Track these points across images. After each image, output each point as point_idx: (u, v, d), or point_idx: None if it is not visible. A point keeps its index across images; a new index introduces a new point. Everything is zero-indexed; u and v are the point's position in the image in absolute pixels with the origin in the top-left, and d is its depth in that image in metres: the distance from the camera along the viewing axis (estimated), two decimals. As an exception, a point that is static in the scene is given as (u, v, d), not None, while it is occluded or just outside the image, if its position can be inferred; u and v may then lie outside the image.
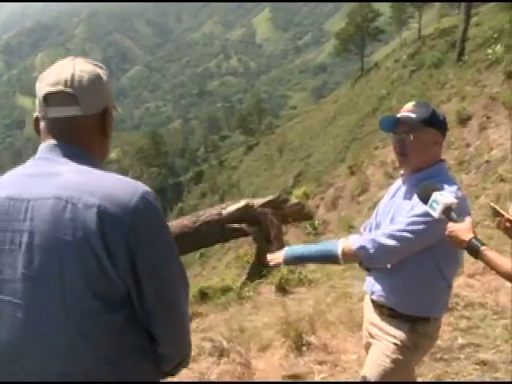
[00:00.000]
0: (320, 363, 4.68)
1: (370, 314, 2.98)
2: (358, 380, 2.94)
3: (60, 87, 1.67)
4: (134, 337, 1.64)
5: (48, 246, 1.53)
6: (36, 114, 1.75)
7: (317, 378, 4.47)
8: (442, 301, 2.82)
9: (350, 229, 15.54)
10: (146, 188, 1.63)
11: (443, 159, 2.84)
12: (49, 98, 1.68)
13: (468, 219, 2.34)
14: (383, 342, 2.80)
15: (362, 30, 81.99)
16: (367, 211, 17.86)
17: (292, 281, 8.18)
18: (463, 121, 17.98)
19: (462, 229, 2.30)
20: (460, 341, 4.59)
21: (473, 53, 30.89)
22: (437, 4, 75.09)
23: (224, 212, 9.88)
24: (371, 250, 2.65)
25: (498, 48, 24.36)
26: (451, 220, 2.36)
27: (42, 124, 1.73)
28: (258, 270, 9.56)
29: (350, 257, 2.74)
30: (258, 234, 9.92)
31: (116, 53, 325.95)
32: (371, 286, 2.93)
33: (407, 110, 2.79)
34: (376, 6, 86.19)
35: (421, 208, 2.55)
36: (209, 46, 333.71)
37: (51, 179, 1.60)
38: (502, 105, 16.99)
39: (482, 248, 2.23)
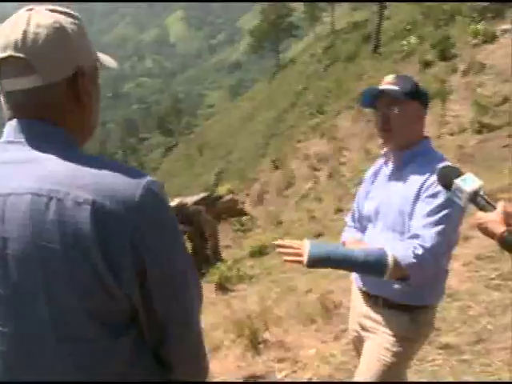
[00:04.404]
0: (280, 361, 4.49)
1: (361, 307, 2.76)
2: None
3: (9, 51, 1.25)
4: (142, 365, 1.32)
5: (28, 257, 1.18)
6: None
7: (279, 377, 4.27)
8: (440, 287, 2.65)
9: (279, 224, 15.57)
10: (151, 177, 1.27)
11: (427, 136, 2.66)
12: (0, 67, 1.27)
13: (500, 206, 2.04)
14: (381, 334, 2.59)
15: (276, 27, 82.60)
16: (294, 204, 17.94)
17: (232, 278, 7.99)
18: (384, 111, 18.23)
19: (493, 220, 2.01)
20: (418, 326, 4.50)
21: (387, 45, 31.66)
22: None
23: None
24: (423, 259, 2.31)
25: (413, 39, 25.05)
26: (480, 207, 2.08)
27: (2, 99, 1.33)
28: (195, 269, 9.35)
29: (397, 270, 2.33)
30: (192, 232, 9.72)
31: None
32: (363, 277, 2.72)
33: (389, 83, 2.56)
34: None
35: (441, 197, 2.33)
36: (122, 47, 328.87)
37: (26, 168, 1.22)
38: (421, 93, 17.34)
39: None
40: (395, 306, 2.55)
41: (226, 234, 14.68)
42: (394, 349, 2.53)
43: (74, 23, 1.34)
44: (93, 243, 1.16)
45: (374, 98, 2.60)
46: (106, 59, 1.47)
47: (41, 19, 1.29)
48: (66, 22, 1.33)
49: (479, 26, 19.49)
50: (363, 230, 2.79)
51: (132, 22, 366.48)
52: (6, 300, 1.21)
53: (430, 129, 14.61)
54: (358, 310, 2.80)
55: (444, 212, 2.34)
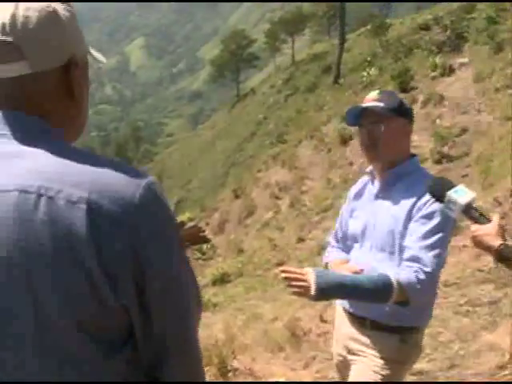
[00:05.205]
0: (250, 389, 4.37)
1: (347, 329, 2.65)
2: None
3: None
4: None
5: (11, 263, 1.02)
6: None
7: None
8: (429, 308, 2.58)
9: (240, 252, 15.47)
10: (151, 176, 1.12)
11: (414, 153, 2.59)
12: None
13: (495, 219, 1.98)
14: (370, 357, 2.48)
15: (237, 57, 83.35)
16: (255, 233, 17.85)
17: (196, 306, 7.85)
18: (345, 140, 18.44)
19: (488, 233, 1.94)
20: (390, 353, 4.44)
21: (347, 76, 32.13)
22: (308, 30, 77.95)
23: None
24: (426, 283, 2.24)
25: (373, 70, 25.47)
26: (474, 220, 2.03)
27: None
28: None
29: (401, 295, 2.23)
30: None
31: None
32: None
33: (373, 100, 2.47)
34: (250, 32, 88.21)
35: (437, 218, 2.28)
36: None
37: (12, 163, 1.07)
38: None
39: None
40: (383, 328, 2.46)
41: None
42: (383, 372, 2.43)
43: (67, 9, 1.20)
44: (88, 247, 1.01)
45: (358, 116, 2.52)
46: (96, 54, 1.34)
47: (31, 2, 1.14)
48: (58, 6, 1.18)
49: (437, 59, 19.93)
50: (348, 249, 2.69)
51: (92, 48, 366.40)
52: None
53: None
54: (344, 332, 2.68)
55: (440, 234, 2.29)
